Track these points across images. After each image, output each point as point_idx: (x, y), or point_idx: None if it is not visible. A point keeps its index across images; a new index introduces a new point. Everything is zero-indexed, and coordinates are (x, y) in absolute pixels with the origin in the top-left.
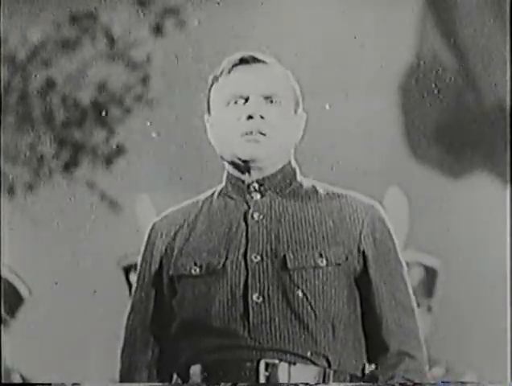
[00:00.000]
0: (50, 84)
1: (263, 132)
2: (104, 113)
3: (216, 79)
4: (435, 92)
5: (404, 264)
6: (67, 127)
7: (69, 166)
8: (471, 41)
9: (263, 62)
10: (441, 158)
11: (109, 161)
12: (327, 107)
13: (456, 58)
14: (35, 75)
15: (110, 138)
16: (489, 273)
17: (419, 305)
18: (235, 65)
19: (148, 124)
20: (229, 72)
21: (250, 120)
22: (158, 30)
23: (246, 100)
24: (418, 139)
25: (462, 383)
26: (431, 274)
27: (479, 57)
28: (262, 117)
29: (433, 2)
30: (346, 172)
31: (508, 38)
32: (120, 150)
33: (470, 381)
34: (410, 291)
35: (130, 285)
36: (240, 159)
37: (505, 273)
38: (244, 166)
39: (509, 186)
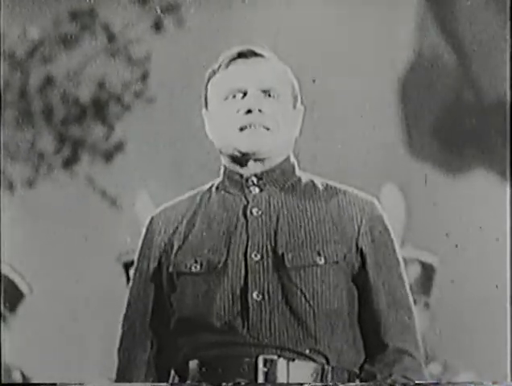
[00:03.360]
0: (50, 81)
1: (263, 125)
2: (103, 110)
3: (213, 73)
4: (434, 88)
5: (402, 261)
6: (66, 123)
7: (69, 163)
8: (470, 37)
9: (261, 56)
10: (439, 154)
11: (108, 157)
12: (325, 102)
13: (455, 54)
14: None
15: (110, 135)
16: (488, 270)
17: (416, 302)
18: (233, 59)
19: (147, 120)
20: (227, 66)
21: (249, 114)
22: (157, 27)
23: (245, 93)
24: (416, 136)
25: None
26: (428, 271)
27: (478, 53)
28: (260, 111)
29: None
30: (343, 168)
31: (508, 33)
32: (119, 147)
33: (467, 380)
34: (408, 289)
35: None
36: (240, 152)
37: (505, 270)
38: (243, 159)
39: (509, 183)
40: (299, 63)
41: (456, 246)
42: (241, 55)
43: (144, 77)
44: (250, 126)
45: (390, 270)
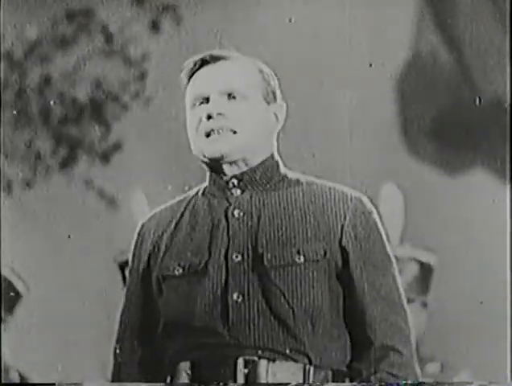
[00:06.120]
0: (47, 81)
1: (225, 128)
2: (101, 110)
3: (187, 83)
4: (433, 87)
5: (393, 258)
6: (64, 124)
7: (66, 163)
8: (469, 36)
9: (224, 58)
10: (438, 154)
11: (106, 157)
12: (322, 102)
13: (453, 53)
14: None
15: (107, 135)
16: (487, 269)
17: (413, 301)
18: (199, 67)
19: (145, 120)
20: (192, 75)
21: (210, 119)
22: (154, 26)
23: (207, 99)
24: (415, 135)
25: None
26: (426, 270)
27: (477, 52)
28: (221, 115)
29: None
30: (342, 168)
31: (507, 33)
32: (117, 147)
33: (466, 380)
34: (399, 286)
35: (125, 281)
36: (206, 157)
37: (505, 270)
38: (215, 165)
39: (508, 183)
40: (297, 63)
41: (455, 246)
42: (203, 61)
43: (141, 77)
44: (214, 132)
45: (375, 267)
